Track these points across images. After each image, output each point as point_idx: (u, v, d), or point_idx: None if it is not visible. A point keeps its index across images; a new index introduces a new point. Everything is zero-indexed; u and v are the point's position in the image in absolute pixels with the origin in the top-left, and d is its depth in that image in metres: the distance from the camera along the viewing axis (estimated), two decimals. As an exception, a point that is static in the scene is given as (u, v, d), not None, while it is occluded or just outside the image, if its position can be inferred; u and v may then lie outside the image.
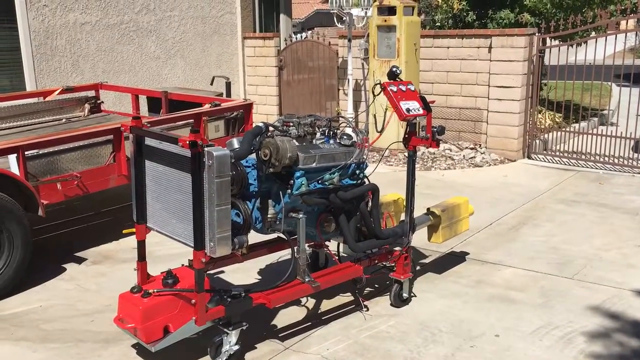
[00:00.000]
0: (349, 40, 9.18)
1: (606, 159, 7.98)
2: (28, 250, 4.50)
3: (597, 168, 7.91)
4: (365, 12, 9.01)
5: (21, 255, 4.44)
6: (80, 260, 5.08)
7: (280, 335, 3.82)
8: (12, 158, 4.49)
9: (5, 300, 4.36)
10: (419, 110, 3.91)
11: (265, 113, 10.74)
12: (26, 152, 4.56)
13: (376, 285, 4.46)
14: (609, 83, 11.16)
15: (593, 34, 9.53)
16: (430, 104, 4.01)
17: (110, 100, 8.58)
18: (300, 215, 3.59)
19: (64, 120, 6.86)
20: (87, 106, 7.16)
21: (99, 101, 7.32)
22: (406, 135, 4.02)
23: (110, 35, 9.12)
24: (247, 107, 6.12)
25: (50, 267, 4.91)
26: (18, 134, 6.10)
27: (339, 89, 10.04)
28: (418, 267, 4.81)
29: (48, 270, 4.85)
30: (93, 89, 7.37)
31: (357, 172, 3.85)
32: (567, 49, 8.39)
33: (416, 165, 6.70)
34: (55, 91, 7.03)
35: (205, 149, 2.99)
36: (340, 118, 4.23)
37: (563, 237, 5.49)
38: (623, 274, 4.68)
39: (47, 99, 6.95)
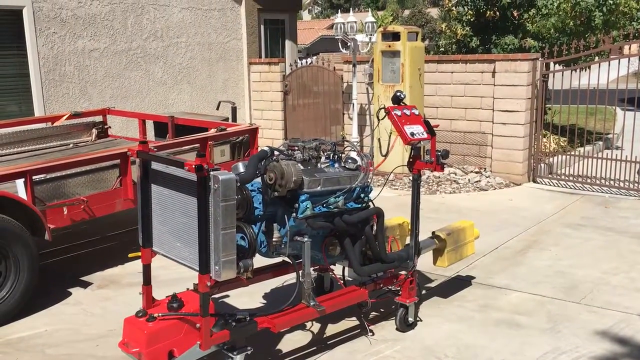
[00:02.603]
0: (354, 66, 9.26)
1: (612, 182, 7.96)
2: (34, 275, 4.51)
3: (602, 192, 7.89)
4: (370, 38, 9.11)
5: (27, 279, 4.45)
6: (85, 285, 5.08)
7: (285, 360, 3.80)
8: (20, 182, 4.53)
9: (11, 324, 4.36)
10: (423, 134, 3.94)
11: (270, 137, 10.80)
12: (34, 177, 4.60)
13: (381, 310, 4.44)
14: (614, 107, 11.18)
15: (596, 58, 9.59)
16: (435, 128, 4.04)
17: (117, 125, 8.67)
18: (305, 239, 3.59)
19: (71, 145, 6.92)
20: (94, 131, 7.22)
21: (106, 126, 7.39)
22: (411, 159, 4.04)
23: (118, 62, 9.24)
24: (253, 132, 6.17)
25: (56, 291, 4.92)
26: (26, 158, 6.16)
27: (343, 114, 10.11)
28: (423, 291, 4.79)
29: (54, 294, 4.85)
30: (101, 114, 7.44)
31: (362, 195, 3.86)
32: (571, 73, 8.44)
33: (421, 189, 6.69)
34: (63, 116, 7.11)
35: (211, 173, 3.01)
36: (345, 142, 4.26)
37: (569, 261, 5.46)
38: (630, 299, 4.65)
39: (55, 124, 7.02)
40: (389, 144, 3.95)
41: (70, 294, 4.90)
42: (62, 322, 4.40)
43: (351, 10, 9.77)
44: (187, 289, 3.64)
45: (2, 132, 6.49)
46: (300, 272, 3.67)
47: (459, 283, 5.00)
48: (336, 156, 3.87)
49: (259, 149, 3.83)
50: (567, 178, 8.30)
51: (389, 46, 8.45)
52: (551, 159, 8.84)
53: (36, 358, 3.89)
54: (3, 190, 4.43)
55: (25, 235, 4.45)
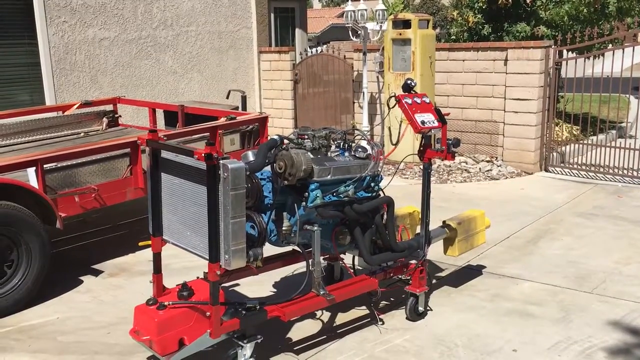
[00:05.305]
0: (364, 54, 9.21)
1: (625, 171, 7.88)
2: (46, 263, 4.54)
3: (615, 181, 7.81)
4: (380, 26, 9.05)
5: (39, 267, 4.48)
6: (97, 273, 5.11)
7: (295, 348, 3.80)
8: (31, 171, 4.55)
9: (23, 312, 4.39)
10: (434, 122, 3.91)
11: (280, 126, 10.78)
12: (45, 166, 4.61)
13: (392, 299, 4.43)
14: (627, 95, 11.05)
15: (610, 46, 9.47)
16: (445, 117, 4.00)
17: (127, 114, 8.68)
18: (315, 228, 3.59)
19: (82, 134, 6.94)
20: (105, 120, 7.24)
21: (116, 115, 7.40)
22: (421, 148, 4.01)
23: (129, 50, 9.24)
24: (263, 121, 6.15)
25: (68, 279, 4.95)
26: (37, 147, 6.18)
27: (354, 102, 10.06)
28: (434, 281, 4.77)
29: (65, 282, 4.89)
30: (111, 103, 7.45)
31: (372, 184, 3.84)
32: (584, 61, 8.34)
33: (432, 178, 6.65)
34: (73, 105, 7.12)
35: (221, 161, 3.00)
36: (355, 131, 4.24)
37: (582, 251, 5.42)
38: (643, 289, 4.61)
39: (65, 113, 7.03)
40: (399, 133, 3.93)
41: (81, 282, 4.93)
42: (73, 310, 4.43)
43: (361, -2, 9.67)
44: (198, 277, 3.65)
45: (13, 121, 6.52)
46: (310, 261, 3.67)
47: (470, 272, 4.98)
48: (346, 145, 3.86)
49: (269, 138, 3.81)
50: (579, 167, 8.22)
51: (400, 34, 8.39)
52: (563, 148, 8.76)
53: (48, 345, 3.93)
54: (15, 178, 4.45)
55: (37, 224, 4.48)
